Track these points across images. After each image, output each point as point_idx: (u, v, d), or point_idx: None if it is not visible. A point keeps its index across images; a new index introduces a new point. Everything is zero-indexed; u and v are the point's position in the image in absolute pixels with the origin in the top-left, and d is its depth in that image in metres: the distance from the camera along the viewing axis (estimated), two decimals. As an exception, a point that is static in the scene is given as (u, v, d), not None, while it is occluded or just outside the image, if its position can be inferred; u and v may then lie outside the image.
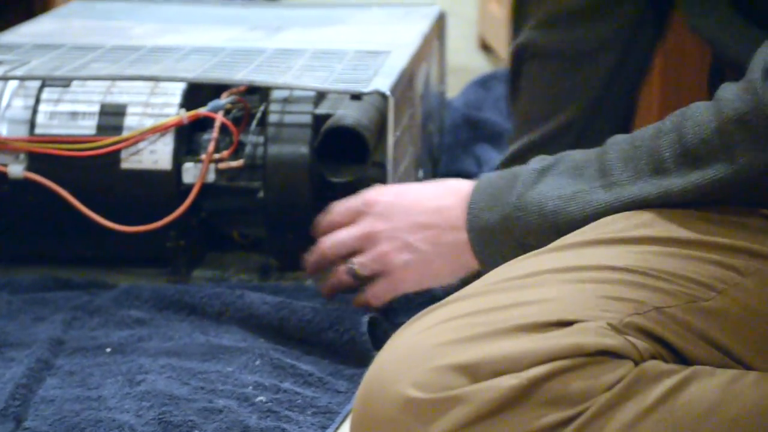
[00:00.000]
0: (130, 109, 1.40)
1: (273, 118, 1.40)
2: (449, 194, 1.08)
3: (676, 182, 0.94)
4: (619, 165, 0.97)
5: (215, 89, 1.44)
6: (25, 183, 1.38)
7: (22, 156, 1.38)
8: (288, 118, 1.40)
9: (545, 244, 0.95)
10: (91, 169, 1.38)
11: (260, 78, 1.38)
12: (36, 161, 1.38)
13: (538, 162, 1.03)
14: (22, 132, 1.39)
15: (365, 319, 1.24)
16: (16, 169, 1.38)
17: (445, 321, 0.88)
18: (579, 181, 0.98)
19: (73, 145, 1.38)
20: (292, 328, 1.27)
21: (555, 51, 1.24)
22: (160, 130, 1.38)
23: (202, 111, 1.39)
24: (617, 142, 0.99)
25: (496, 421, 0.83)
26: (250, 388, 1.16)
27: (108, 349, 1.24)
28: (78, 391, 1.16)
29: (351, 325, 1.24)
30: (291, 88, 1.40)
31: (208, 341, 1.25)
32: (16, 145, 1.38)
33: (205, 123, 1.41)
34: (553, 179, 1.00)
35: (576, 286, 0.90)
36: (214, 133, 1.38)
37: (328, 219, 1.18)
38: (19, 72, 1.40)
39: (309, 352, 1.23)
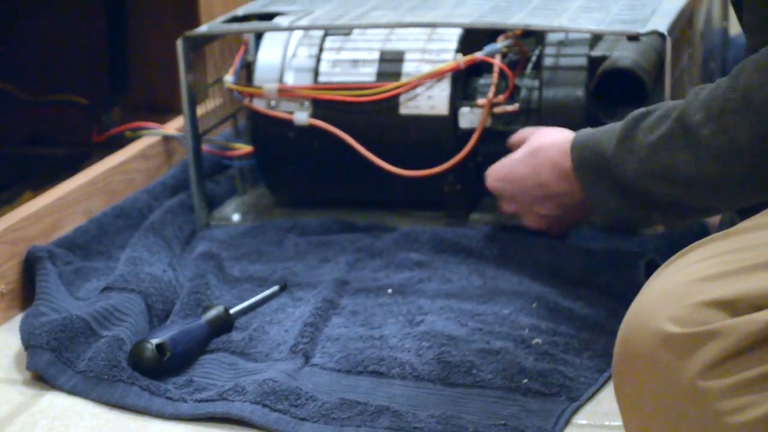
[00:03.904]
0: (408, 56, 1.43)
1: (548, 61, 1.40)
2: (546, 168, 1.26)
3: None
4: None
5: (491, 34, 1.44)
6: (309, 129, 1.43)
7: (306, 103, 1.44)
8: (563, 61, 1.40)
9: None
10: (371, 115, 1.41)
11: (535, 21, 1.38)
12: (320, 108, 1.43)
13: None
14: (306, 80, 1.44)
15: (642, 260, 1.23)
16: (302, 117, 1.43)
17: (702, 260, 0.88)
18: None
19: (354, 92, 1.42)
20: (569, 271, 1.27)
21: None
22: (438, 75, 1.40)
23: (479, 55, 1.40)
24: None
25: (755, 354, 0.82)
26: (527, 330, 1.17)
27: (389, 290, 1.28)
28: (361, 330, 1.20)
29: (628, 267, 1.23)
30: (566, 31, 1.39)
31: (485, 284, 1.28)
32: (302, 92, 1.43)
33: (480, 68, 1.42)
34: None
35: None
36: (494, 78, 1.38)
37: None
38: (303, 22, 1.45)
39: (585, 295, 1.24)
